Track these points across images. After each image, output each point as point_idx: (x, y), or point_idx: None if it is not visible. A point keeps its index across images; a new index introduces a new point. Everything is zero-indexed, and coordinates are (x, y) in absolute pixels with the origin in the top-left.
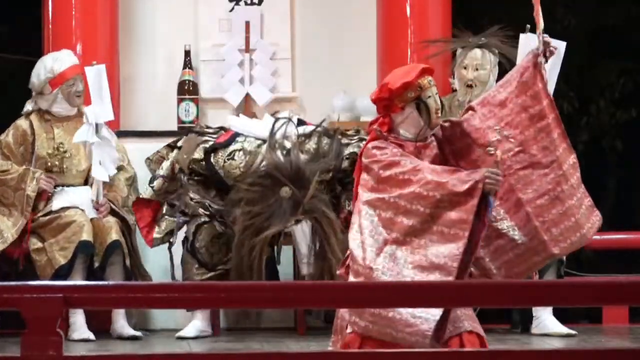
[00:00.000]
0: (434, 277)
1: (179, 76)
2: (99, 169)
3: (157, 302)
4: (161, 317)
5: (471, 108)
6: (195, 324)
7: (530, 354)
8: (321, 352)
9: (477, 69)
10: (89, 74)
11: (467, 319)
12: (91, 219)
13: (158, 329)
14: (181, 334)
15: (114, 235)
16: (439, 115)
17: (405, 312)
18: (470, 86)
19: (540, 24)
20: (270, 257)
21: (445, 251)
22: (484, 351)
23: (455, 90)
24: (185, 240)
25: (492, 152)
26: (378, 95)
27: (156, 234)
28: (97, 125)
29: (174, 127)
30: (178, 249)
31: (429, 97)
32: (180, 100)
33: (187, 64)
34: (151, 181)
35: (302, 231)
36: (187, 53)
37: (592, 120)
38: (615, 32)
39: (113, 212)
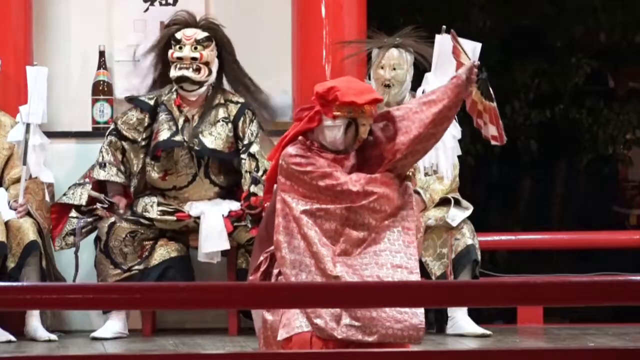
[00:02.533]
0: (398, 276)
1: (94, 77)
2: (40, 170)
3: (73, 304)
4: (76, 318)
5: (389, 116)
6: (111, 324)
7: (445, 354)
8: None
9: (394, 69)
10: (29, 74)
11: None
12: (7, 221)
13: (73, 330)
14: (96, 334)
15: (32, 235)
16: (360, 143)
17: (392, 310)
18: (387, 86)
19: (465, 60)
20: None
21: (398, 259)
22: (399, 352)
23: None
24: (97, 241)
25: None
26: (322, 93)
27: (58, 238)
28: (28, 125)
29: (88, 127)
30: (89, 253)
31: (364, 125)
32: (94, 101)
33: (102, 64)
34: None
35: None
36: (102, 54)
37: (506, 122)
38: (530, 34)
39: (28, 214)
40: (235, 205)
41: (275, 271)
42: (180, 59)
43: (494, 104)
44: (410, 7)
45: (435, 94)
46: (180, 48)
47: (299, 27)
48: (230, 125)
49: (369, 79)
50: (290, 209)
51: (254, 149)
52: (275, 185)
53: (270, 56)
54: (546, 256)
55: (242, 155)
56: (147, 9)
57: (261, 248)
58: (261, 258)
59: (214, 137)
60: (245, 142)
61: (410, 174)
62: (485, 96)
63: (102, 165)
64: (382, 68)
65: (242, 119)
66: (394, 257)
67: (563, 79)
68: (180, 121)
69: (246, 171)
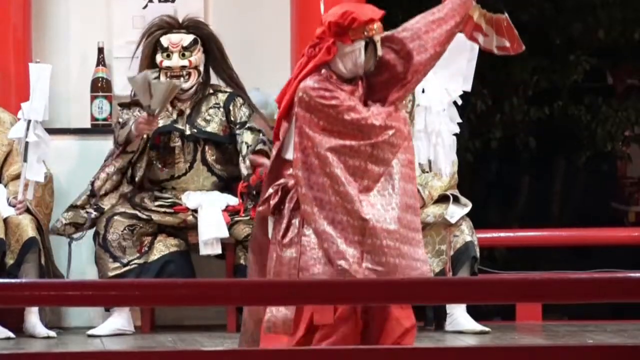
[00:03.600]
0: (409, 217)
1: (92, 73)
2: (35, 168)
3: (72, 300)
4: (75, 315)
5: (394, 38)
6: (111, 321)
7: (443, 351)
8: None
9: None
10: (31, 71)
11: None
12: (6, 217)
13: (72, 327)
14: (93, 331)
15: (31, 232)
16: (377, 62)
17: (408, 257)
18: None
19: None
20: None
21: (410, 191)
22: (398, 348)
23: None
24: (96, 235)
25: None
26: (337, 21)
27: (60, 218)
28: (29, 122)
29: (87, 124)
30: (89, 251)
31: (379, 41)
32: (93, 98)
33: (101, 61)
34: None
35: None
36: (101, 50)
37: (505, 118)
38: (529, 30)
39: (27, 211)
40: (233, 200)
41: (289, 205)
42: (169, 67)
43: (505, 15)
44: (410, 3)
45: (442, 11)
46: (168, 56)
47: (298, 26)
48: (222, 110)
49: None
50: (313, 144)
51: (250, 124)
52: (284, 125)
53: (269, 53)
54: (545, 253)
55: (237, 131)
56: (146, 6)
57: (269, 182)
58: (271, 191)
59: (209, 121)
60: (239, 122)
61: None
62: (490, 10)
63: (123, 125)
64: None
65: (232, 104)
66: (407, 198)
67: (562, 76)
68: (174, 114)
69: (243, 142)
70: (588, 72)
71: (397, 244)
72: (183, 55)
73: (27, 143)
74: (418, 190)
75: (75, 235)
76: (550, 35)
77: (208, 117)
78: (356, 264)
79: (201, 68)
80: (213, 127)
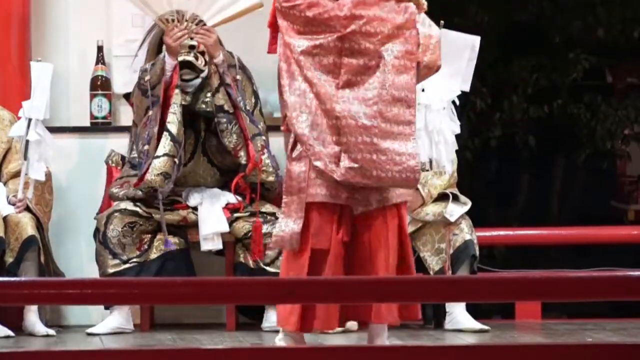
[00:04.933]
0: (397, 110)
1: (92, 72)
2: (35, 166)
3: (71, 299)
4: (75, 313)
5: None
6: (110, 320)
7: (443, 350)
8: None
9: None
10: (33, 69)
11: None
12: (5, 215)
13: (71, 325)
14: (92, 330)
15: (30, 230)
16: None
17: (390, 152)
18: None
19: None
20: None
21: (402, 83)
22: (397, 346)
23: None
24: (96, 232)
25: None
26: None
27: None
28: (30, 120)
29: (86, 122)
30: (90, 248)
31: None
32: (92, 96)
33: (100, 59)
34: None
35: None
36: (100, 49)
37: (504, 116)
38: (528, 29)
39: (27, 209)
40: (233, 199)
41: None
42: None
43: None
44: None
45: None
46: None
47: None
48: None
49: None
50: (291, 50)
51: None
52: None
53: (268, 54)
54: (544, 251)
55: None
56: None
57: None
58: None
59: (217, 98)
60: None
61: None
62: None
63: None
64: None
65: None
66: (395, 90)
67: (561, 75)
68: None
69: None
70: (587, 70)
71: (375, 139)
72: (191, 38)
73: (27, 141)
74: (417, 188)
75: (165, 188)
76: (550, 34)
77: (215, 95)
78: (333, 164)
79: (207, 58)
80: (221, 103)
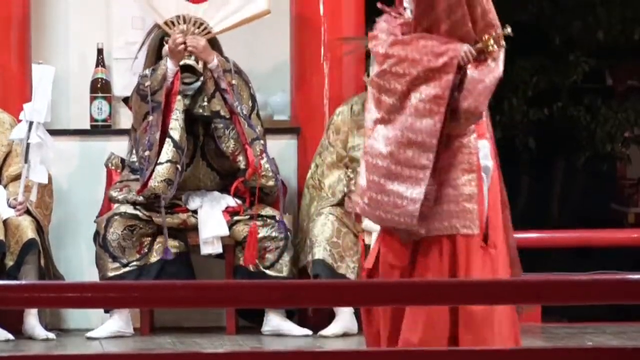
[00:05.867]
0: (411, 153)
1: (92, 74)
2: (37, 169)
3: (71, 302)
4: (75, 316)
5: None
6: (110, 323)
7: (440, 354)
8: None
9: None
10: (34, 72)
11: (450, 217)
12: (6, 219)
13: (71, 329)
14: (92, 333)
15: (30, 233)
16: None
17: (393, 194)
18: None
19: None
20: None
21: (422, 127)
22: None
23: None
24: (96, 235)
25: (491, 48)
26: None
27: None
28: (31, 123)
29: (86, 125)
30: (90, 251)
31: None
32: (93, 99)
33: (100, 61)
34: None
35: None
36: (100, 51)
37: (504, 119)
38: (529, 30)
39: (27, 212)
40: (233, 202)
41: None
42: None
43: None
44: None
45: None
46: None
47: (298, 24)
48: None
49: (368, 75)
50: None
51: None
52: None
53: (269, 54)
54: (544, 254)
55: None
56: None
57: None
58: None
59: (213, 104)
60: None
61: (490, 44)
62: None
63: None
64: None
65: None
66: (411, 133)
67: (561, 77)
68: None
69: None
70: (587, 72)
71: (382, 180)
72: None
73: (28, 144)
74: None
75: (168, 194)
76: (550, 34)
77: (212, 101)
78: (359, 197)
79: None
80: (217, 108)
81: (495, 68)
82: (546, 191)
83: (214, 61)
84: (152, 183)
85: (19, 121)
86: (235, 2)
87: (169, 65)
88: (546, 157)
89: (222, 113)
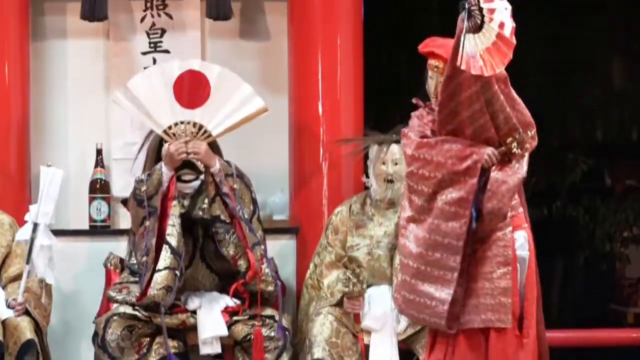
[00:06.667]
0: (439, 255)
1: (91, 175)
2: (42, 270)
3: None
4: None
5: None
6: None
7: None
8: None
9: (396, 164)
10: (42, 174)
11: (486, 310)
12: (4, 319)
13: None
14: None
15: (29, 334)
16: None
17: (424, 295)
18: (390, 181)
19: None
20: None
21: (448, 229)
22: None
23: (367, 188)
24: (95, 336)
25: (515, 151)
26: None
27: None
28: (36, 225)
29: (85, 225)
30: (85, 349)
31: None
32: (91, 199)
33: (99, 162)
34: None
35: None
36: (99, 151)
37: None
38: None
39: (26, 312)
40: (231, 302)
41: None
42: None
43: None
44: (404, 102)
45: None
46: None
47: (296, 125)
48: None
49: (367, 176)
50: None
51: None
52: None
53: (267, 154)
54: None
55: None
56: None
57: None
58: None
59: (214, 208)
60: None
61: (513, 146)
62: None
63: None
64: (383, 164)
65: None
66: (438, 236)
67: (560, 177)
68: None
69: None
70: (586, 172)
71: (413, 280)
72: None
73: (32, 245)
74: None
75: (168, 301)
76: (549, 137)
77: (211, 204)
78: (396, 292)
79: None
80: (217, 212)
81: (519, 169)
82: (545, 290)
83: (217, 165)
84: (151, 291)
85: (24, 222)
86: (232, 104)
87: (164, 170)
88: (545, 256)
89: (223, 217)
